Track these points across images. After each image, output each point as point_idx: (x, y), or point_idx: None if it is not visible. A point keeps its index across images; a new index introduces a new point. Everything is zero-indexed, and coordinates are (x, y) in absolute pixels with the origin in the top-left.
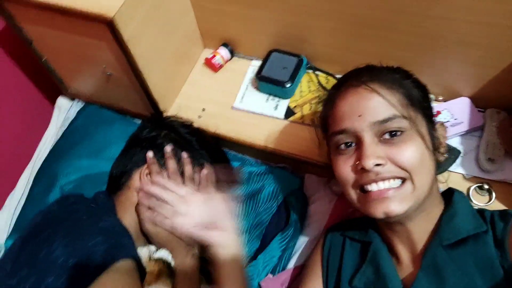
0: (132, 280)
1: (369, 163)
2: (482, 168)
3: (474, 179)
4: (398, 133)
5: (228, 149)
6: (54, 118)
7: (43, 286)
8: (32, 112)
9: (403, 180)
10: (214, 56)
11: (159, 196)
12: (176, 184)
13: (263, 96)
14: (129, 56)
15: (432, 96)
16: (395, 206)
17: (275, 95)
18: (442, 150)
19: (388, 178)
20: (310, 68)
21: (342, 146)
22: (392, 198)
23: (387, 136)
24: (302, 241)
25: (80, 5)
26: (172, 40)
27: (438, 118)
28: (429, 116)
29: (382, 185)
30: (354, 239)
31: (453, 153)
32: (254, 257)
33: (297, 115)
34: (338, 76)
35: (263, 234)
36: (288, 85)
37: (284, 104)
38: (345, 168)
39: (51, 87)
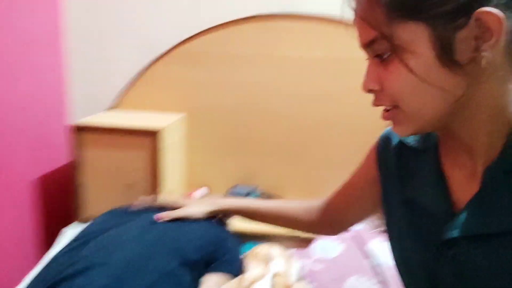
0: None
1: (363, 88)
2: None
3: None
4: (384, 56)
5: None
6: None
7: None
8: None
9: (395, 106)
10: None
11: None
12: None
13: None
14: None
15: None
16: (397, 129)
17: None
18: (486, 44)
19: (382, 105)
20: None
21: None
22: (393, 120)
23: (379, 58)
24: None
25: (134, 125)
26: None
27: None
28: (439, 15)
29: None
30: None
31: None
32: None
33: None
34: None
35: None
36: None
37: None
38: None
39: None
